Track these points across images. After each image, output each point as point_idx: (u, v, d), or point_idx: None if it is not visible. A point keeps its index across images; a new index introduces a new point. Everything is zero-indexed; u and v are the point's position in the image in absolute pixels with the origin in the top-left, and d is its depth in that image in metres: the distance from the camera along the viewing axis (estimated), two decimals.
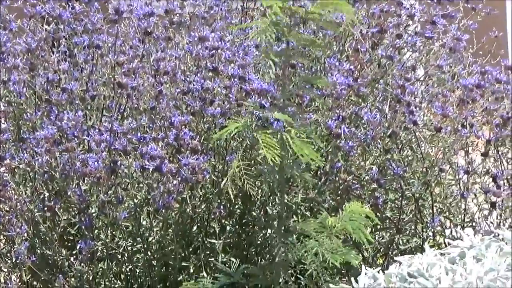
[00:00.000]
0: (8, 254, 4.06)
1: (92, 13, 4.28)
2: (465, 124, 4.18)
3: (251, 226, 4.09)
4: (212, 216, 4.04)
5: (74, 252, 3.92)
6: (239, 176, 3.65)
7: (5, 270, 4.13)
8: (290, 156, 3.59)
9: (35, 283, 4.08)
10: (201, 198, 4.01)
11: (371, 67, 4.27)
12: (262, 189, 3.93)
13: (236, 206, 4.06)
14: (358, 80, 4.10)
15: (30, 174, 4.01)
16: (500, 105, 4.24)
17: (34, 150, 3.85)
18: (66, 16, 4.22)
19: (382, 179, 4.10)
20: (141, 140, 3.83)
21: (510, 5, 7.88)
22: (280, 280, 3.71)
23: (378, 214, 3.95)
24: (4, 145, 4.06)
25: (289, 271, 3.78)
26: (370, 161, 4.10)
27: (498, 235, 3.61)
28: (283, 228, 3.83)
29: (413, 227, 4.22)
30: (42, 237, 3.98)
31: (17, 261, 3.97)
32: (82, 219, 3.93)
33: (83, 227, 3.93)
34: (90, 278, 3.94)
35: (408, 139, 4.19)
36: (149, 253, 4.00)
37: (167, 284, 3.96)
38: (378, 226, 3.94)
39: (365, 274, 3.17)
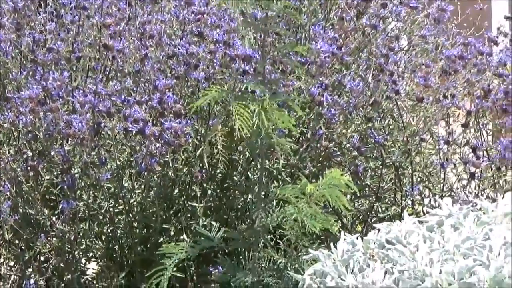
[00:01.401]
0: None
1: None
2: (446, 94, 4.22)
3: (232, 190, 4.12)
4: (194, 180, 4.07)
5: (56, 212, 3.96)
6: (220, 141, 3.71)
7: None
8: (272, 123, 3.63)
9: (17, 241, 4.10)
10: (183, 162, 4.04)
11: (356, 35, 4.28)
12: (244, 154, 3.96)
13: (218, 171, 4.09)
14: (342, 48, 4.13)
15: (14, 133, 4.02)
16: (482, 77, 4.27)
17: (19, 109, 3.87)
18: None
19: (363, 147, 4.14)
20: (125, 103, 3.85)
21: None
22: (259, 245, 3.75)
23: (358, 181, 4.00)
24: None
25: (268, 236, 3.82)
26: (351, 129, 4.13)
27: (476, 204, 3.66)
28: (263, 193, 3.88)
29: (392, 196, 4.25)
30: (25, 196, 4.01)
31: (0, 219, 4.01)
32: (65, 179, 3.96)
33: (65, 187, 3.95)
34: (72, 238, 3.97)
35: (390, 108, 4.21)
36: (130, 214, 4.03)
37: (148, 246, 3.99)
38: (358, 194, 3.96)
39: (344, 240, 3.22)
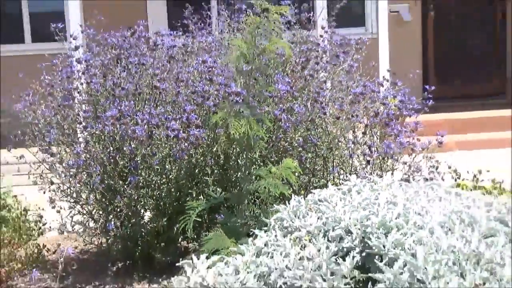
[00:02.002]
0: (88, 185, 4.06)
1: (140, 44, 4.25)
2: (353, 115, 4.21)
3: (229, 170, 4.10)
4: (206, 164, 4.07)
5: (126, 182, 3.93)
6: (223, 143, 3.71)
7: (86, 192, 4.13)
8: (252, 132, 3.64)
9: (103, 200, 4.07)
10: (200, 154, 4.01)
11: (301, 80, 4.26)
12: (236, 150, 3.94)
13: (220, 159, 4.07)
14: (293, 88, 4.11)
15: (102, 137, 4.00)
16: (374, 105, 4.26)
17: (105, 123, 3.88)
18: (125, 45, 4.19)
19: (305, 145, 4.14)
20: (166, 119, 3.86)
21: (381, 44, 7.85)
22: (245, 202, 3.75)
23: (301, 165, 4.00)
24: (87, 120, 4.06)
25: (250, 197, 3.81)
26: (298, 134, 4.12)
27: (371, 179, 3.65)
28: (247, 172, 3.87)
29: (322, 173, 4.23)
30: (108, 173, 3.98)
31: (94, 187, 3.98)
32: (131, 164, 3.96)
33: (132, 168, 3.96)
34: (135, 198, 3.95)
35: (320, 123, 4.20)
36: (169, 184, 4.02)
37: (179, 202, 3.96)
38: (301, 173, 3.95)
39: (294, 199, 3.20)
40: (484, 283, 2.25)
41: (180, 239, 4.10)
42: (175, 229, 3.86)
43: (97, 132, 3.98)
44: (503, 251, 2.42)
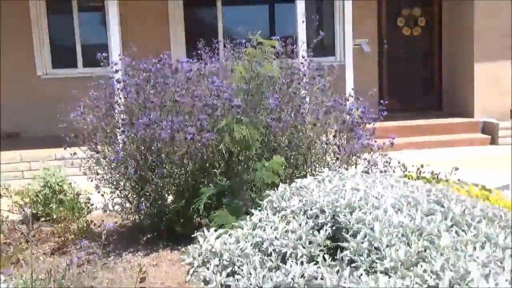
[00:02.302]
0: (125, 176, 4.05)
1: (165, 68, 4.23)
2: (326, 122, 4.21)
3: (232, 164, 4.06)
4: (215, 159, 4.05)
5: (154, 173, 3.91)
6: (227, 143, 3.69)
7: (123, 181, 4.12)
8: (250, 135, 3.63)
9: (136, 186, 4.05)
10: (210, 152, 3.99)
11: (286, 96, 4.25)
12: (237, 148, 3.92)
13: (226, 155, 4.04)
14: (280, 102, 4.10)
15: (136, 139, 3.97)
16: (342, 115, 4.26)
17: (138, 128, 3.86)
18: (153, 70, 4.17)
19: (290, 146, 4.13)
20: (185, 125, 3.83)
21: (347, 69, 7.86)
22: (244, 188, 3.74)
23: (287, 161, 3.97)
24: (125, 126, 4.05)
25: (248, 185, 3.79)
26: (285, 137, 4.10)
27: (339, 171, 3.66)
28: (246, 166, 3.86)
29: (302, 167, 4.21)
30: (140, 167, 3.96)
31: (129, 177, 3.97)
32: (158, 159, 3.94)
33: (158, 162, 3.93)
34: (161, 185, 3.93)
35: (301, 128, 4.19)
36: (187, 174, 3.98)
37: (195, 188, 3.94)
38: (287, 166, 3.93)
39: (281, 186, 3.20)
40: (425, 250, 2.25)
41: (195, 217, 4.08)
42: (191, 209, 3.84)
43: (132, 135, 3.96)
44: (439, 226, 2.43)
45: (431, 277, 1.78)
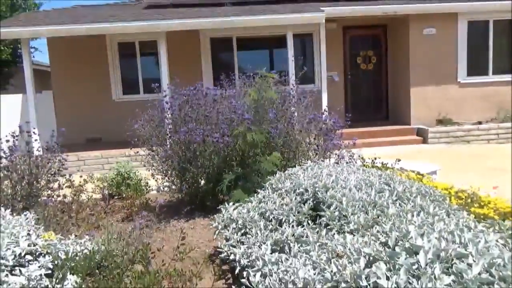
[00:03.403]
0: (171, 167, 4.02)
1: (198, 93, 4.19)
2: (308, 129, 4.16)
3: (244, 158, 4.01)
4: (232, 155, 4.00)
5: (191, 165, 3.88)
6: (241, 144, 3.65)
7: (170, 170, 4.09)
8: (256, 139, 3.58)
9: (178, 173, 4.03)
10: (229, 150, 3.95)
11: (282, 112, 4.20)
12: (248, 147, 3.87)
13: (240, 153, 4.00)
14: (277, 115, 4.06)
15: (179, 141, 3.94)
16: (319, 124, 4.21)
17: (180, 134, 3.82)
18: (191, 94, 4.13)
19: (284, 145, 4.08)
20: (212, 132, 3.80)
21: (323, 93, 7.80)
22: (253, 175, 3.70)
23: (282, 156, 3.93)
24: (171, 133, 4.01)
25: (255, 172, 3.75)
26: (280, 140, 4.05)
27: (318, 162, 3.59)
28: (254, 159, 3.82)
29: (293, 160, 4.16)
30: (182, 161, 3.93)
31: (174, 168, 3.93)
32: (193, 155, 3.90)
33: (194, 158, 3.89)
34: (196, 173, 3.90)
35: (291, 133, 4.14)
36: (213, 166, 3.94)
37: (219, 175, 3.90)
38: (282, 159, 3.88)
39: (278, 173, 3.16)
40: (378, 216, 2.20)
41: (219, 195, 4.05)
42: (216, 189, 3.82)
43: (176, 139, 3.94)
44: (388, 200, 2.38)
45: (382, 235, 1.74)
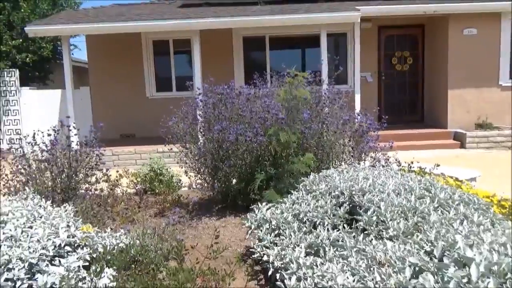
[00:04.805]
0: (204, 165, 4.04)
1: (232, 92, 4.20)
2: (343, 131, 4.08)
3: (277, 158, 3.98)
4: (265, 155, 3.97)
5: (224, 164, 3.88)
6: (274, 144, 3.62)
7: (203, 168, 4.12)
8: (289, 139, 3.54)
9: (212, 172, 4.04)
10: (262, 149, 3.93)
11: (315, 112, 4.14)
12: (281, 148, 3.84)
13: (273, 153, 3.96)
14: (311, 116, 4.00)
15: (212, 139, 3.96)
16: (354, 125, 4.12)
17: (213, 132, 3.84)
18: (224, 93, 4.14)
19: (317, 146, 4.02)
20: (245, 131, 3.79)
21: (356, 94, 7.65)
22: (286, 175, 3.66)
23: (315, 157, 3.87)
24: (204, 131, 4.03)
25: (288, 173, 3.70)
26: (314, 140, 4.00)
27: (353, 165, 3.51)
28: (287, 159, 3.78)
29: (326, 162, 4.10)
30: (215, 159, 3.94)
31: (207, 165, 3.95)
32: (227, 154, 3.90)
33: (227, 156, 3.89)
34: (228, 172, 3.90)
35: (325, 134, 4.07)
36: (245, 165, 3.94)
37: (251, 175, 3.88)
38: (315, 160, 3.82)
39: (312, 175, 3.11)
40: (418, 224, 2.12)
41: (251, 194, 4.03)
42: (248, 188, 3.80)
43: (209, 137, 3.96)
44: (429, 206, 2.28)
45: (426, 244, 1.66)
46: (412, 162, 4.15)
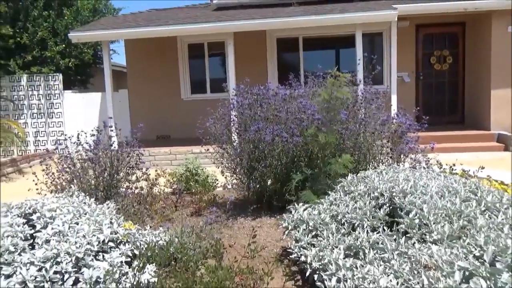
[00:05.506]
0: (240, 165, 4.07)
1: (268, 93, 4.20)
2: (381, 132, 4.00)
3: (313, 159, 3.95)
4: (301, 155, 3.95)
5: (260, 164, 3.89)
6: (312, 145, 3.59)
7: (239, 168, 4.14)
8: (327, 139, 3.51)
9: (247, 172, 4.06)
10: (298, 150, 3.91)
11: (352, 112, 4.08)
12: (317, 148, 3.80)
13: (309, 153, 3.94)
14: (348, 116, 3.94)
15: (248, 140, 3.97)
16: (392, 126, 4.03)
17: (250, 133, 3.85)
18: (260, 93, 4.16)
19: (355, 147, 3.96)
20: (281, 131, 3.78)
21: (393, 94, 7.45)
22: (322, 176, 3.62)
23: (353, 158, 3.80)
24: (240, 131, 4.06)
25: (325, 174, 3.66)
26: (351, 141, 3.94)
27: (393, 166, 3.43)
28: (324, 160, 3.74)
29: (363, 163, 4.03)
30: (250, 159, 3.96)
31: (243, 166, 3.97)
32: (263, 154, 3.91)
33: (262, 157, 3.90)
34: (264, 172, 3.91)
35: (363, 135, 4.00)
36: (281, 166, 3.93)
37: (287, 175, 3.87)
38: (353, 161, 3.76)
39: (349, 176, 3.06)
40: (464, 227, 2.04)
41: (286, 195, 4.02)
42: (284, 189, 3.80)
43: (245, 138, 3.98)
44: (475, 210, 2.19)
45: (475, 248, 1.60)
46: (454, 164, 4.00)
